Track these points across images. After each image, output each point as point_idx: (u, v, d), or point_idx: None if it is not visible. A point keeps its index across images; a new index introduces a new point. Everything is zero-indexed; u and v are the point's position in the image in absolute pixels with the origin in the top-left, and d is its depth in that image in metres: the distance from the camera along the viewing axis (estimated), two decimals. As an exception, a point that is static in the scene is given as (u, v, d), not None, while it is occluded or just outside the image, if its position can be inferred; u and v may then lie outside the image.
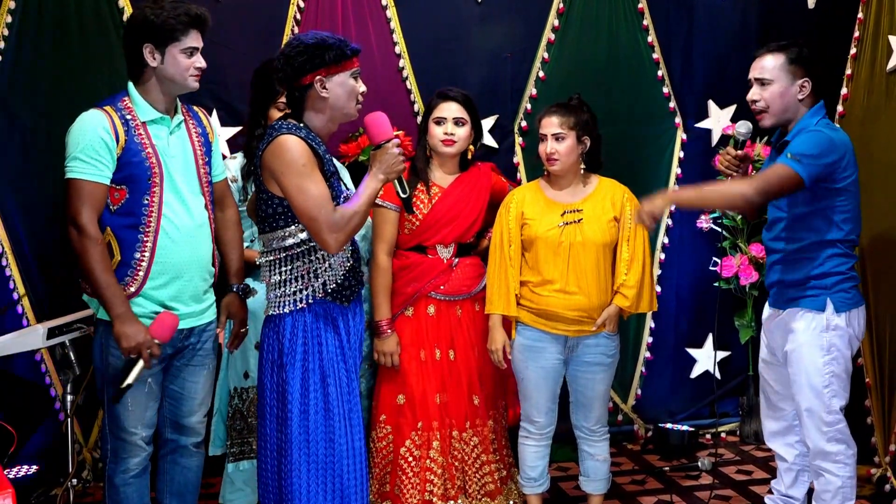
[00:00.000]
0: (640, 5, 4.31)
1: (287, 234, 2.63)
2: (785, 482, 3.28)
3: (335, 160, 3.05)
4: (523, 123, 4.24)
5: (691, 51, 4.42)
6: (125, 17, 3.74)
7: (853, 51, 3.95)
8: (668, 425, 4.33)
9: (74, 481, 3.25)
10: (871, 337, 3.74)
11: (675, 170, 4.43)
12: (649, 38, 4.34)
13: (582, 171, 3.21)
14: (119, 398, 2.62)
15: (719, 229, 4.34)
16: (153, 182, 2.62)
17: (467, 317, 3.37)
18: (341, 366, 2.70)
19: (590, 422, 3.29)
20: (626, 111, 4.34)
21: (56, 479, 3.59)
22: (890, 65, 3.70)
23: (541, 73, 4.24)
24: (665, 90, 4.40)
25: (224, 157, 3.26)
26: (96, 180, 2.56)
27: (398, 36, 4.06)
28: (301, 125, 2.62)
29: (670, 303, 4.49)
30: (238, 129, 3.88)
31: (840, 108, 3.98)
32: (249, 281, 3.14)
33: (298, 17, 3.97)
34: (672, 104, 4.41)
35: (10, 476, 3.42)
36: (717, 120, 4.44)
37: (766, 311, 3.18)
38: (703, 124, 4.46)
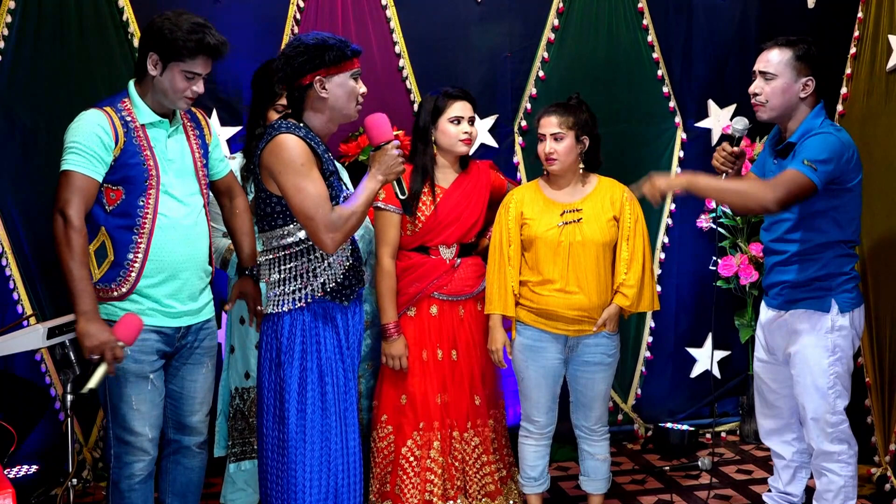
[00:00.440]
0: (639, 5, 4.31)
1: (286, 232, 2.63)
2: (783, 479, 3.28)
3: (335, 160, 3.05)
4: (523, 123, 4.24)
5: (691, 50, 4.42)
6: (125, 17, 3.76)
7: (853, 50, 3.95)
8: (668, 425, 4.33)
9: (74, 481, 3.23)
10: (871, 337, 3.74)
11: (675, 169, 4.43)
12: (649, 38, 4.34)
13: (581, 171, 3.21)
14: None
15: (719, 229, 4.34)
16: (149, 184, 2.63)
17: (470, 316, 3.37)
18: (339, 365, 2.70)
19: (590, 421, 3.29)
20: (626, 111, 4.34)
21: (56, 478, 3.60)
22: (890, 64, 3.70)
23: (540, 73, 4.24)
24: (665, 90, 4.40)
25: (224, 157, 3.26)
26: (89, 175, 2.56)
27: (398, 36, 4.07)
28: (301, 125, 2.63)
29: (670, 302, 4.49)
30: (238, 128, 3.88)
31: (840, 107, 3.98)
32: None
33: (298, 17, 3.98)
34: (672, 104, 4.41)
35: (10, 476, 3.42)
36: (717, 119, 4.44)
37: (765, 312, 3.16)
38: (702, 124, 4.46)
